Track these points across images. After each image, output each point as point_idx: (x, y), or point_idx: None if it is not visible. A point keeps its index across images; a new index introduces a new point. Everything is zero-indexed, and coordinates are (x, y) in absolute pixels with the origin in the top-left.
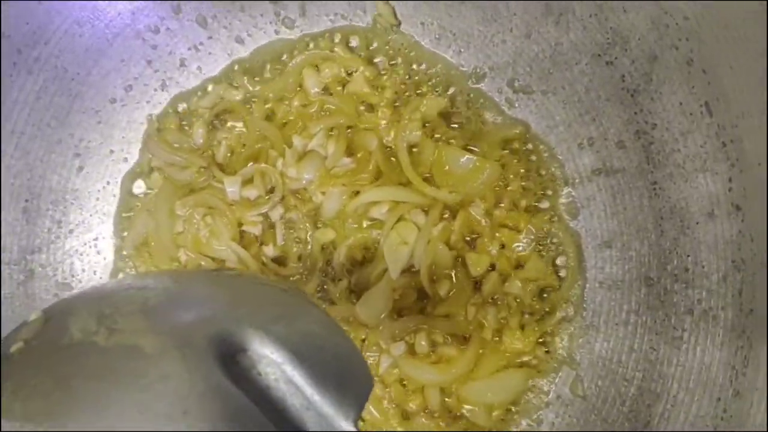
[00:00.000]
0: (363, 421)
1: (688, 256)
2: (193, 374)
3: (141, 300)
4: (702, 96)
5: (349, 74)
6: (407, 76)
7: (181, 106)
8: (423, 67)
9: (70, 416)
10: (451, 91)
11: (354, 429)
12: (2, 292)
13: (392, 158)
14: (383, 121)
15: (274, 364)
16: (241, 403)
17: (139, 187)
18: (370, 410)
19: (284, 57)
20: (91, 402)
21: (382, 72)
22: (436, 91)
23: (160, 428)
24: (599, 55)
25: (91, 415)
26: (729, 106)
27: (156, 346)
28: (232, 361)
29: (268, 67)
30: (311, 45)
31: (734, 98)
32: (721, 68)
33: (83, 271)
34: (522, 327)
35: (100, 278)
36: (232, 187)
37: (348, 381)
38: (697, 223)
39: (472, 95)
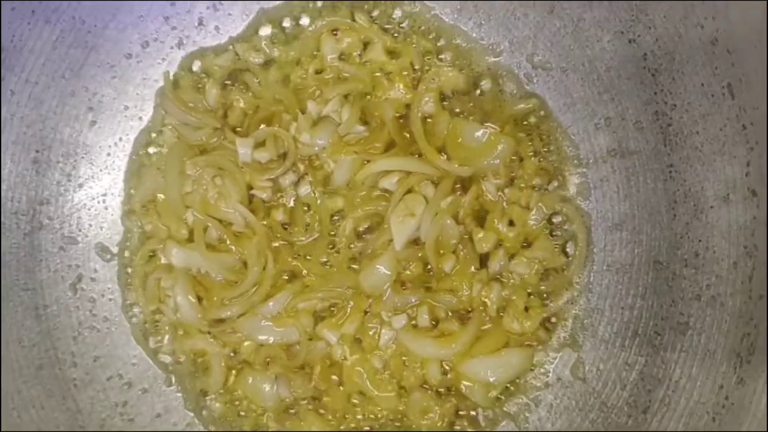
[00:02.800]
0: (363, 394)
1: (700, 240)
2: None
3: None
4: (725, 77)
5: (367, 43)
6: (426, 48)
7: (197, 65)
8: (442, 39)
9: None
10: (469, 64)
11: None
12: (8, 242)
13: (406, 129)
14: (399, 91)
15: None
16: None
17: (150, 145)
18: (367, 384)
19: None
20: None
21: (401, 43)
22: (456, 64)
23: None
24: (622, 32)
25: None
26: (752, 88)
27: None
28: None
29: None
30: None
31: (757, 80)
32: (746, 49)
33: (90, 226)
34: (526, 308)
35: (107, 234)
36: (244, 148)
37: None
38: (711, 208)
39: (490, 69)
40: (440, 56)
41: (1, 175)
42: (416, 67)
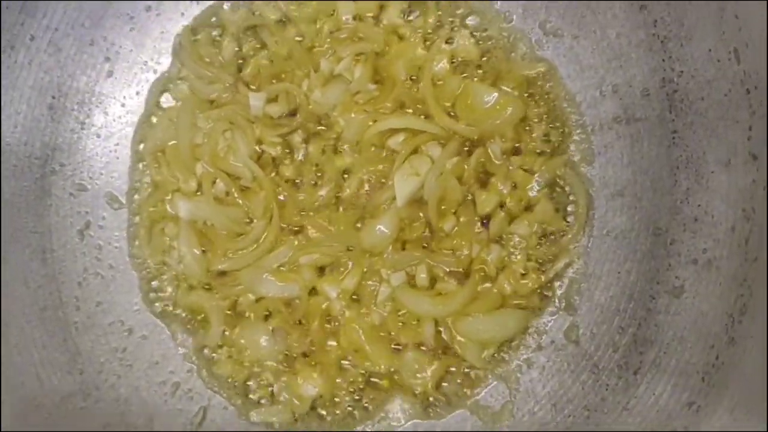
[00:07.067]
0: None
1: (699, 205)
2: None
3: None
4: (732, 42)
5: (383, 6)
6: (440, 12)
7: (214, 20)
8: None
9: None
10: (483, 30)
11: None
12: (19, 184)
13: (416, 90)
14: (412, 52)
15: None
16: None
17: (165, 98)
18: (363, 340)
19: None
20: None
21: (414, 7)
22: (473, 36)
23: None
24: None
25: None
26: (757, 52)
27: None
28: None
29: None
30: None
31: (762, 44)
32: (754, 13)
33: (101, 174)
34: (524, 273)
35: (117, 183)
36: (256, 101)
37: None
38: (713, 173)
39: (504, 34)
40: (454, 19)
41: (17, 119)
42: (430, 30)
